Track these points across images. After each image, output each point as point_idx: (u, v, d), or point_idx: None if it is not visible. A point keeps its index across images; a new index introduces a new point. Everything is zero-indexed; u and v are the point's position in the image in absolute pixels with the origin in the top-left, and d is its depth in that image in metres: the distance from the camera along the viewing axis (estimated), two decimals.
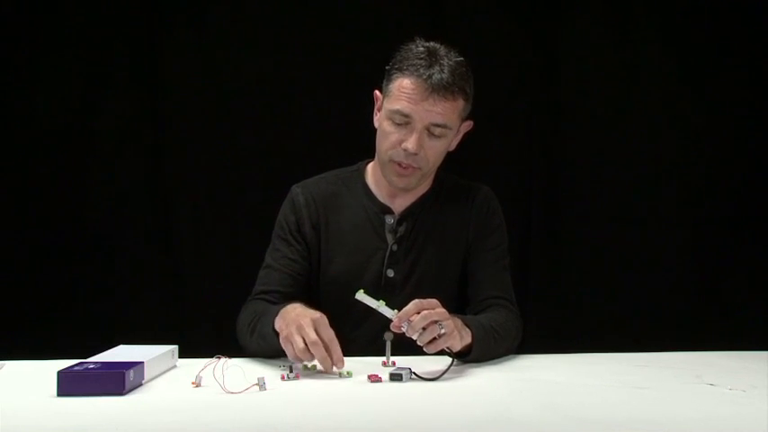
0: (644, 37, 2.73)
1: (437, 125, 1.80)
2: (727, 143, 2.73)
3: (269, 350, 1.71)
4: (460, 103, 1.83)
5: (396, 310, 1.57)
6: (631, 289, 2.71)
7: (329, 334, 1.56)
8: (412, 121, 1.79)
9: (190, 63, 2.67)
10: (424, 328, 1.55)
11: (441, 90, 1.77)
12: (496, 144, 2.69)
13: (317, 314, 1.59)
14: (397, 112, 1.80)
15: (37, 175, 2.63)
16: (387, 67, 1.85)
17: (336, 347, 1.56)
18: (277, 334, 1.63)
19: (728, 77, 2.72)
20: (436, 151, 1.85)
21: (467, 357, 1.68)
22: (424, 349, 1.57)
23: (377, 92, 1.89)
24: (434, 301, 1.59)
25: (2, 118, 2.61)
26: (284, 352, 1.61)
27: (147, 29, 2.66)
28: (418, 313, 1.55)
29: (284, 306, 1.68)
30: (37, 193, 2.63)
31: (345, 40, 2.65)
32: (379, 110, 1.89)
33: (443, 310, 1.58)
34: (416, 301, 1.57)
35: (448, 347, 1.58)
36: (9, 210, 2.61)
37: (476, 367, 1.68)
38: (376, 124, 1.90)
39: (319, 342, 1.54)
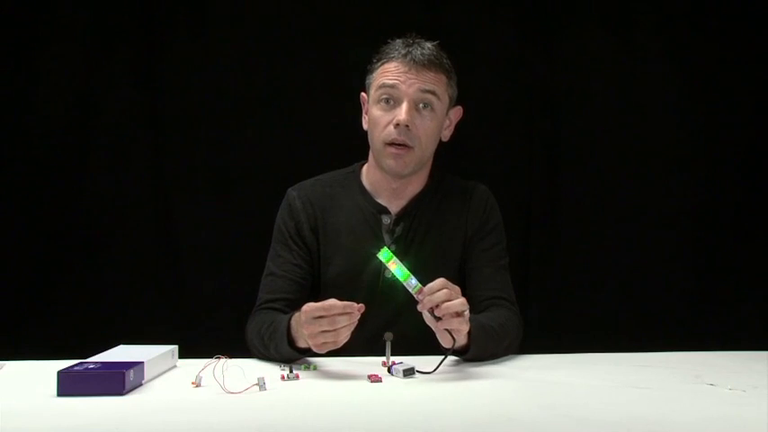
0: (644, 36, 2.73)
1: (426, 91, 1.83)
2: (726, 143, 2.73)
3: (286, 362, 1.72)
4: (443, 78, 1.87)
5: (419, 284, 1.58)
6: (631, 289, 2.71)
7: (318, 312, 1.57)
8: (400, 94, 1.83)
9: (190, 63, 2.67)
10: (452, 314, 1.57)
11: (423, 62, 1.84)
12: (496, 143, 2.70)
13: (301, 314, 1.61)
14: (383, 85, 1.84)
15: (37, 175, 2.63)
16: (368, 66, 1.90)
17: (334, 306, 1.57)
18: (297, 349, 1.67)
19: (728, 78, 2.72)
20: (427, 129, 1.86)
21: (464, 356, 1.68)
22: (437, 323, 1.57)
23: (363, 94, 1.91)
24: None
25: (1, 117, 2.62)
26: (299, 359, 1.70)
27: (147, 29, 2.66)
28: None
29: (289, 321, 1.69)
30: (37, 194, 2.63)
31: (344, 42, 2.65)
32: (366, 112, 1.91)
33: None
34: (443, 279, 1.59)
35: (453, 331, 1.58)
36: (9, 210, 2.61)
37: (476, 367, 1.68)
38: (365, 126, 1.91)
39: (323, 326, 1.56)
